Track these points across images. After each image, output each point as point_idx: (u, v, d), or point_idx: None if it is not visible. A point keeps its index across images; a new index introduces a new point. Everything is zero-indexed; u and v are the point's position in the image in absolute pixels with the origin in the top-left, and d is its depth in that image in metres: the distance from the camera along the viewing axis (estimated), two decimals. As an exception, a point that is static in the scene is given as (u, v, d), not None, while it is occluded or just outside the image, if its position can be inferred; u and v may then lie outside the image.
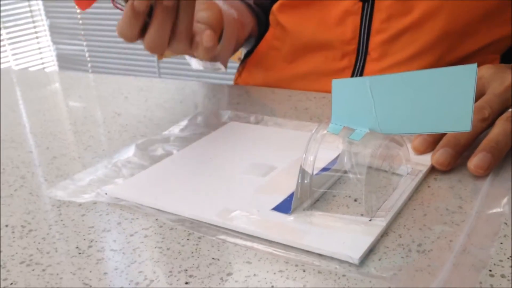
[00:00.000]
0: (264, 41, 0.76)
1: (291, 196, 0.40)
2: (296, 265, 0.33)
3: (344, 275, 0.32)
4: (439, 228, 0.36)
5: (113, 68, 2.65)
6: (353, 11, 0.64)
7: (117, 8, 0.47)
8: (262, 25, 0.80)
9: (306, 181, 0.39)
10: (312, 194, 0.40)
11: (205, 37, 0.50)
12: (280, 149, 0.50)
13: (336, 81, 0.40)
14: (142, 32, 0.50)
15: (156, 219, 0.39)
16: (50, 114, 0.65)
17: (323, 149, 0.39)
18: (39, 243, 0.37)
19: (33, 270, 0.34)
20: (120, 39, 0.50)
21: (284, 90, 0.69)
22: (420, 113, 0.37)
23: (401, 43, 0.63)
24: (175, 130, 0.56)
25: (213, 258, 0.34)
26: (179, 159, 0.49)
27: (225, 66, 0.66)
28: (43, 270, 0.34)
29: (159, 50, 0.50)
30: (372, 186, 0.38)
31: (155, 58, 2.14)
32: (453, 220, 0.37)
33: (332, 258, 0.33)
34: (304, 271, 0.32)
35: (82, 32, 2.62)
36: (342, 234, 0.36)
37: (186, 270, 0.33)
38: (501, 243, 0.34)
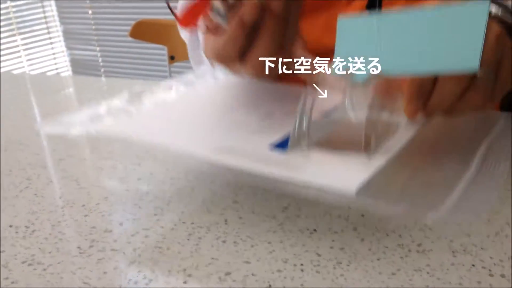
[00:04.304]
0: None
1: (288, 136, 0.39)
2: (295, 265, 0.33)
3: (342, 275, 0.32)
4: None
5: (125, 73, 2.66)
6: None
7: (210, 27, 0.42)
8: None
9: (304, 118, 0.38)
10: (311, 133, 0.38)
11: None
12: (282, 99, 0.48)
13: (342, 18, 0.38)
14: (242, 51, 0.43)
15: (158, 220, 0.39)
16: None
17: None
18: (41, 243, 0.37)
19: (34, 269, 0.34)
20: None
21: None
22: (426, 51, 0.36)
23: None
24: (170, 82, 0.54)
25: (212, 258, 0.34)
26: (174, 103, 0.48)
27: None
28: (44, 269, 0.34)
29: (264, 70, 0.42)
30: (371, 129, 0.37)
31: (166, 63, 2.15)
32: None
33: (331, 253, 0.33)
34: (302, 270, 0.32)
35: (95, 38, 2.64)
36: (340, 169, 0.34)
37: (185, 269, 0.33)
38: (502, 243, 0.34)
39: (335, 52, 0.39)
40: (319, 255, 0.34)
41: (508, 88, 0.41)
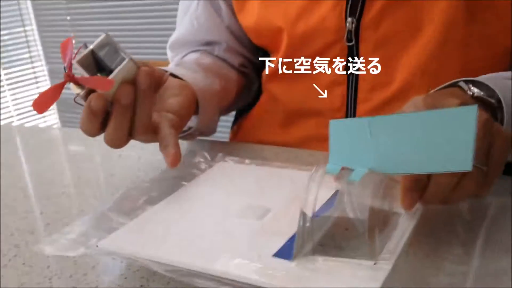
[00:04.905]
0: (259, 105, 0.78)
1: (291, 240, 0.40)
2: None
3: None
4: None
5: (111, 111, 2.69)
6: (339, 82, 0.67)
7: (78, 104, 0.50)
8: (253, 82, 0.82)
9: (307, 225, 0.39)
10: (313, 238, 0.40)
11: (167, 159, 0.52)
12: (273, 189, 0.50)
13: (333, 121, 0.41)
14: (104, 126, 0.52)
15: (147, 279, 0.40)
16: (46, 175, 0.67)
17: (321, 188, 0.39)
18: (30, 319, 0.38)
19: None
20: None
21: (279, 148, 0.70)
22: (420, 153, 0.38)
23: (387, 112, 0.65)
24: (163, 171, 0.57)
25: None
26: (171, 205, 0.49)
27: (214, 130, 0.69)
28: None
29: (118, 145, 0.52)
30: (374, 227, 0.38)
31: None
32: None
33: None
34: None
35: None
36: (349, 282, 0.35)
37: None
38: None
39: (329, 153, 0.40)
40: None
41: (501, 171, 0.42)
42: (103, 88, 0.47)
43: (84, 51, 0.49)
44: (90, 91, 0.49)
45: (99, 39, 0.49)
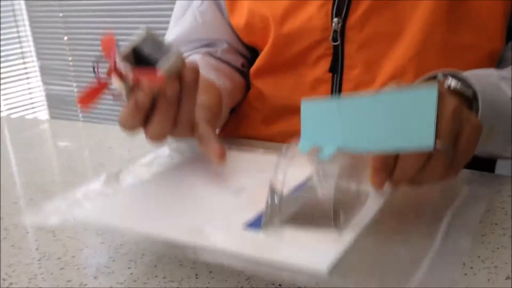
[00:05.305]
0: (246, 101, 0.79)
1: (262, 213, 0.42)
2: None
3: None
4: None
5: (101, 109, 2.68)
6: (324, 80, 0.68)
7: (116, 100, 0.49)
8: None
9: (276, 197, 0.41)
10: (282, 212, 0.41)
11: (214, 156, 0.51)
12: (251, 171, 0.52)
13: (305, 102, 0.42)
14: (143, 122, 0.50)
15: (131, 274, 0.41)
16: (36, 164, 0.68)
17: (294, 167, 0.41)
18: (18, 296, 0.39)
19: (11, 324, 0.36)
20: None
21: (262, 142, 0.71)
22: (384, 132, 0.39)
23: None
24: (147, 158, 0.58)
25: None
26: (149, 183, 0.51)
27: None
28: (21, 324, 0.36)
29: (161, 140, 0.51)
30: (340, 203, 0.40)
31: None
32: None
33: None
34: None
35: (73, 74, 2.66)
36: (311, 248, 0.37)
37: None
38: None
39: (301, 132, 0.42)
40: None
41: (468, 157, 0.44)
42: (153, 81, 0.46)
43: (126, 48, 0.47)
44: (132, 87, 0.48)
45: (140, 35, 0.48)
